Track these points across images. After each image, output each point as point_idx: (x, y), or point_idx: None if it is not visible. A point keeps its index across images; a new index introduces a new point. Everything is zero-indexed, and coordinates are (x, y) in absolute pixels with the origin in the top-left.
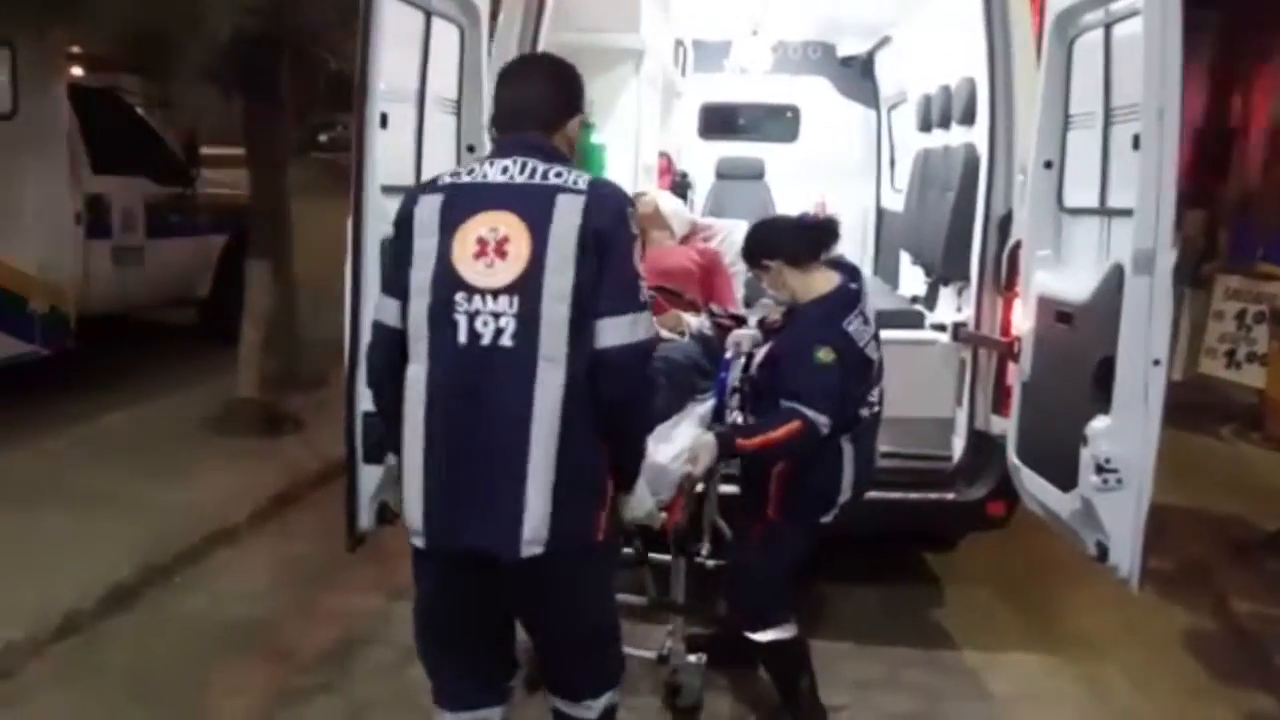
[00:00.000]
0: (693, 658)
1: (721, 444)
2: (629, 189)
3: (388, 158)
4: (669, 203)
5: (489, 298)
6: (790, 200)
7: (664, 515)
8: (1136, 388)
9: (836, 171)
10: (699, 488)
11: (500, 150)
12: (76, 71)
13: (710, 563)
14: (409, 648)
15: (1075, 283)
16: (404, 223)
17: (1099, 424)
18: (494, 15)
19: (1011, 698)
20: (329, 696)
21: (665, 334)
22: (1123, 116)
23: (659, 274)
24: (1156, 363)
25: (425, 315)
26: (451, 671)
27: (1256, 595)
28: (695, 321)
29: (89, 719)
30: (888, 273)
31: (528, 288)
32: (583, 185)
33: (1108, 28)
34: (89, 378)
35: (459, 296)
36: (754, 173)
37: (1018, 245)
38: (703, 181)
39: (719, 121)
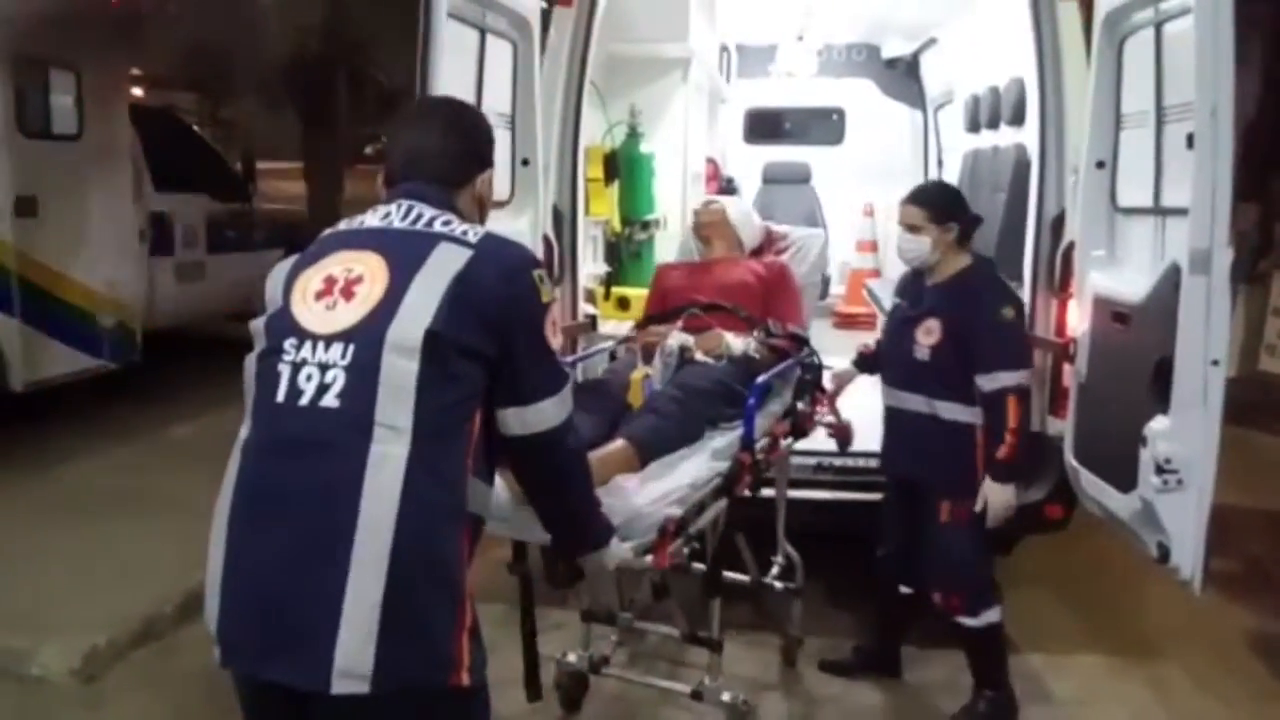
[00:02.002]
0: (727, 695)
1: (1005, 479)
2: (678, 197)
3: None
4: (738, 211)
5: (319, 345)
6: (838, 203)
7: (648, 559)
8: (1195, 388)
9: (883, 173)
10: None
11: (388, 199)
12: (135, 92)
13: (779, 585)
14: (492, 623)
15: (1131, 283)
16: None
17: (1158, 424)
18: (545, 30)
19: (1075, 700)
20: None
21: (700, 356)
22: (1176, 115)
23: (715, 289)
24: (1215, 363)
25: (254, 365)
26: None
27: None
28: (739, 343)
29: None
30: None
31: (366, 335)
32: (472, 238)
33: (1158, 26)
34: (155, 391)
35: (288, 343)
36: (800, 177)
37: (1071, 246)
38: (749, 186)
39: (764, 126)
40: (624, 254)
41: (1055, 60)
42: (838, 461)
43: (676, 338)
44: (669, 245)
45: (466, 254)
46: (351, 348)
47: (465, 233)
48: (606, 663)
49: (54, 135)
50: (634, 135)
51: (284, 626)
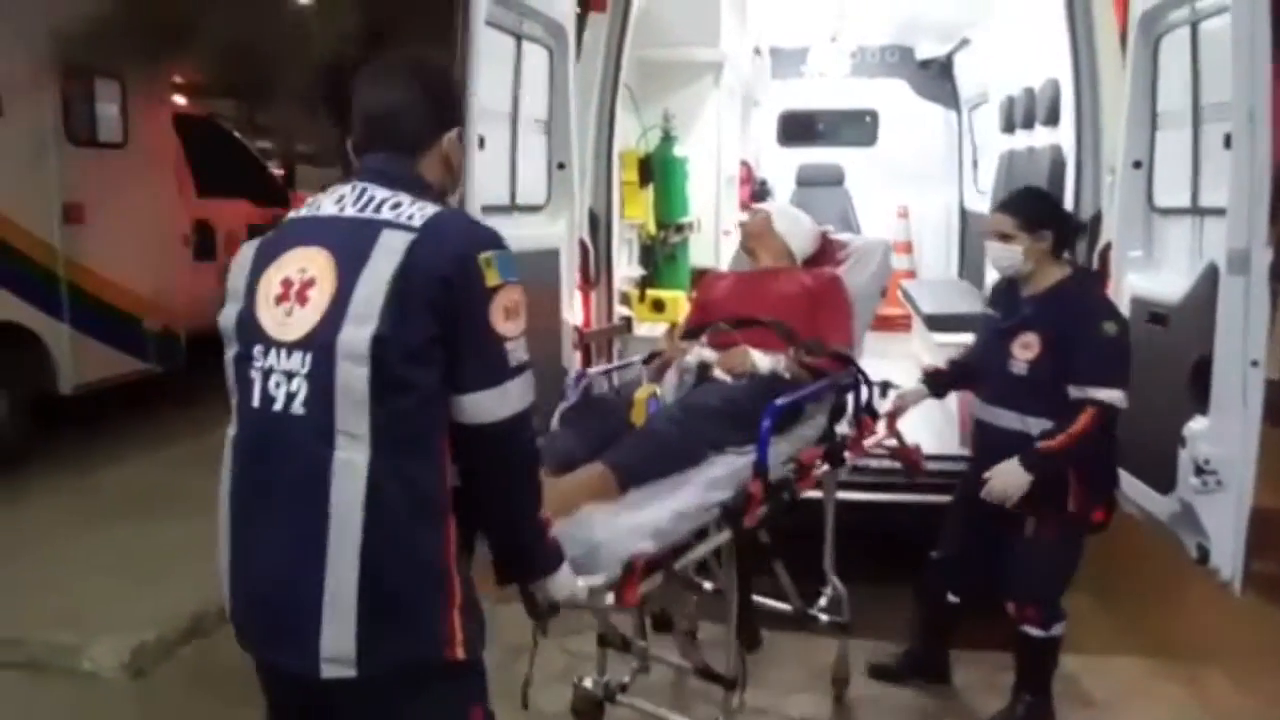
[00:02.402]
0: None
1: (1029, 466)
2: (711, 200)
3: (485, 178)
4: (786, 220)
5: (282, 353)
6: (871, 205)
7: (609, 598)
8: (1234, 389)
9: (917, 174)
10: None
11: (350, 176)
12: (177, 99)
13: (825, 618)
14: (517, 646)
15: (1168, 283)
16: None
17: (1197, 425)
18: (579, 35)
19: (1114, 701)
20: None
21: (719, 374)
22: (1213, 115)
23: (757, 303)
24: (1254, 363)
25: (231, 367)
26: None
27: None
28: (767, 361)
29: (218, 715)
30: (973, 274)
31: (321, 343)
32: (417, 221)
33: (1194, 25)
34: (199, 395)
35: (256, 350)
36: (834, 179)
37: (1108, 246)
38: (782, 189)
39: (797, 128)
40: (659, 257)
41: (1091, 60)
42: (874, 463)
43: (697, 353)
44: (703, 248)
45: (408, 239)
46: (309, 356)
47: (411, 216)
48: (624, 690)
49: (100, 143)
50: (668, 139)
51: (277, 618)
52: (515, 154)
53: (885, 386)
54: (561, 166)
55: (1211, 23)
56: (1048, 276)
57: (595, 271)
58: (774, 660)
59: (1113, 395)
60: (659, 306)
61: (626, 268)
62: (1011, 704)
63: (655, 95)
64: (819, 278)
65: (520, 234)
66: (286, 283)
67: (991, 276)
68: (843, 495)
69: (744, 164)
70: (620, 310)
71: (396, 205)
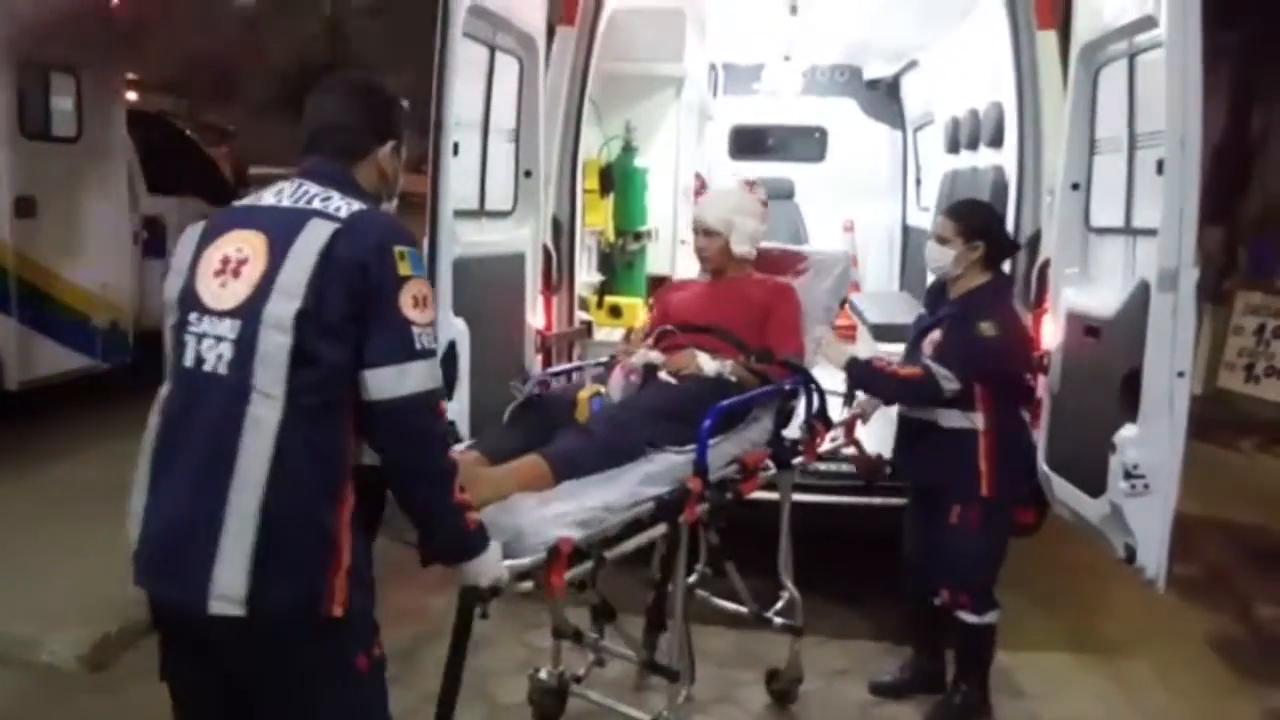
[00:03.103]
0: None
1: (849, 365)
2: (669, 209)
3: (457, 183)
4: (741, 242)
5: (216, 320)
6: (820, 219)
7: (527, 584)
8: (1162, 398)
9: (863, 190)
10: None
11: (291, 175)
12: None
13: (779, 621)
14: (475, 641)
15: (1102, 299)
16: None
17: (1127, 432)
18: (548, 48)
19: (1045, 695)
20: (400, 689)
21: (664, 376)
22: (1146, 142)
23: (712, 311)
24: (1180, 375)
25: (170, 333)
26: None
27: (1279, 601)
28: (713, 365)
29: None
30: (914, 287)
31: (249, 313)
32: (344, 214)
33: (1131, 58)
34: (147, 392)
35: (192, 316)
36: (784, 192)
37: (1046, 263)
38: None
39: (749, 142)
40: (617, 264)
41: (1034, 87)
42: (823, 466)
43: (642, 355)
44: (660, 256)
45: (333, 228)
46: (239, 323)
47: (339, 209)
48: (578, 681)
49: (53, 137)
50: (629, 150)
51: (175, 553)
52: (486, 161)
53: (848, 397)
54: (528, 174)
55: (1148, 56)
56: (970, 282)
57: (557, 276)
58: (727, 657)
59: (949, 379)
60: (616, 312)
61: (586, 274)
62: (949, 695)
63: (618, 107)
64: (773, 288)
65: (488, 238)
66: (224, 259)
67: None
68: (805, 498)
69: (698, 176)
70: (580, 315)
71: (327, 199)
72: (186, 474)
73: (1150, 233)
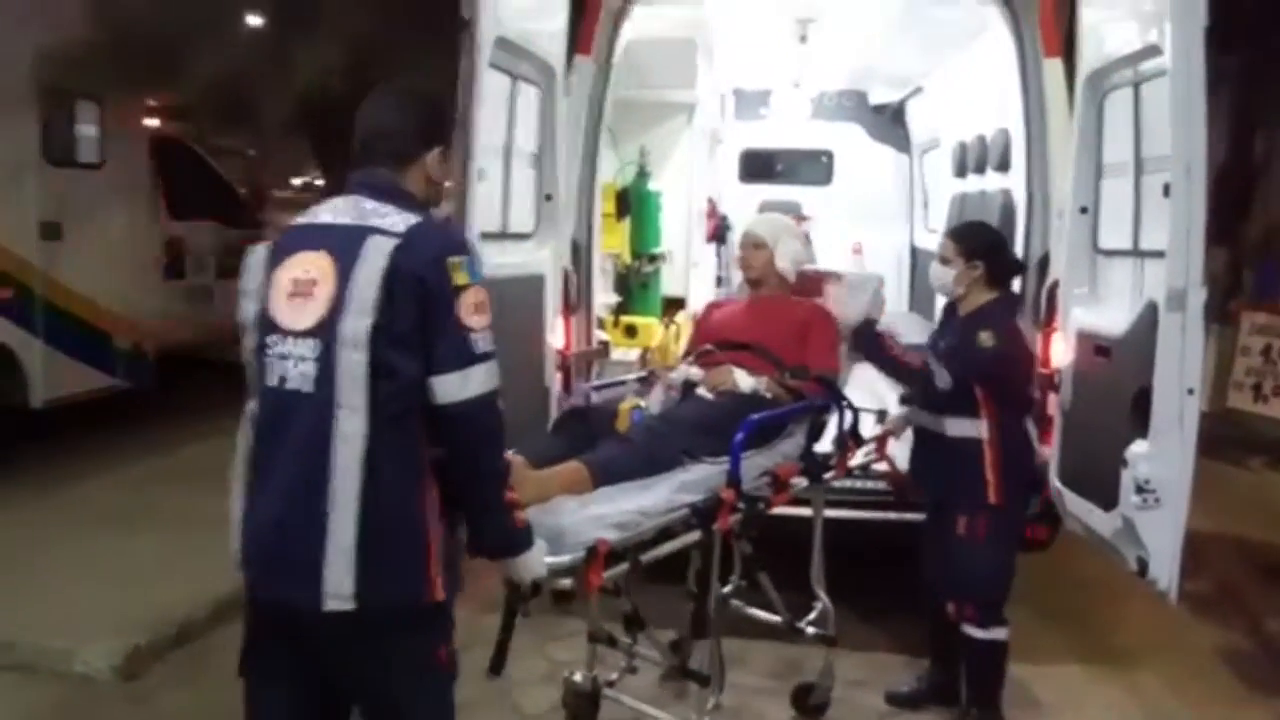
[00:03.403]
0: None
1: (858, 331)
2: (682, 232)
3: (483, 206)
4: (784, 259)
5: (295, 340)
6: (828, 241)
7: (567, 582)
8: (1172, 414)
9: (870, 213)
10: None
11: (344, 188)
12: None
13: (811, 630)
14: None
15: (1111, 319)
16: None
17: (1138, 448)
18: (567, 75)
19: (1059, 705)
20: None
21: (702, 391)
22: (1153, 167)
23: (750, 330)
24: (1190, 392)
25: (252, 354)
26: None
27: None
28: (749, 381)
29: (208, 716)
30: (923, 308)
31: (327, 332)
32: (400, 228)
33: (1136, 86)
34: (167, 412)
35: (272, 338)
36: (792, 215)
37: (1056, 284)
38: (742, 223)
39: (758, 166)
40: (633, 285)
41: (1041, 113)
42: (854, 483)
43: (682, 372)
44: (674, 277)
45: (393, 244)
46: (318, 343)
47: (395, 224)
48: (610, 686)
49: (78, 164)
50: (643, 174)
51: (285, 559)
52: (508, 185)
53: (882, 414)
54: (549, 198)
55: (1152, 85)
56: (975, 301)
57: (576, 297)
58: (756, 666)
59: (941, 374)
60: (631, 332)
61: (603, 295)
62: (960, 716)
63: (632, 133)
64: (810, 308)
65: (510, 260)
66: (295, 281)
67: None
68: (835, 514)
69: (709, 199)
70: (598, 335)
71: (383, 215)
72: (284, 485)
73: (1158, 254)
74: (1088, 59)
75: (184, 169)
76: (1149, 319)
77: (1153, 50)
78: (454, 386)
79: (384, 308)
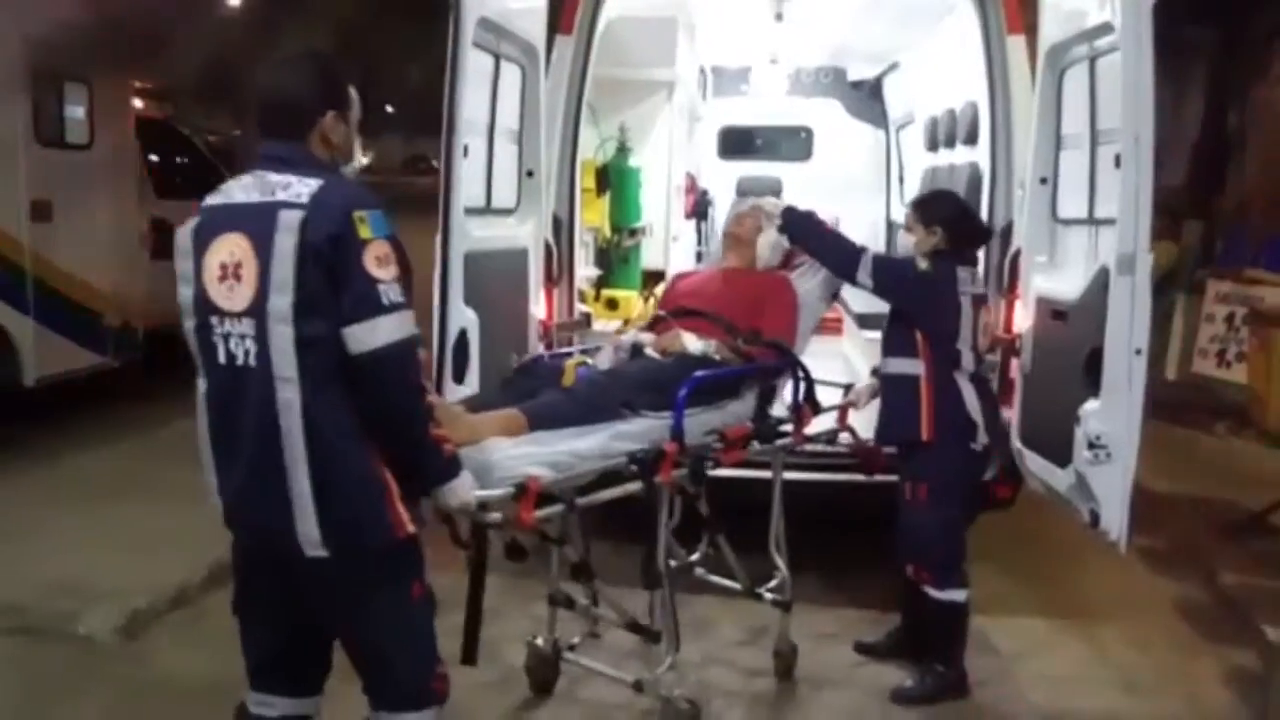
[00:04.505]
0: (667, 690)
1: (789, 209)
2: (662, 207)
3: (467, 183)
4: (768, 241)
5: (235, 320)
6: None
7: (496, 515)
8: (1121, 373)
9: (848, 187)
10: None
11: (252, 164)
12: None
13: (769, 597)
14: (487, 610)
15: (1068, 284)
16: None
17: (1089, 406)
18: (548, 55)
19: (1017, 653)
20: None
21: (649, 352)
22: (1106, 139)
23: (710, 298)
24: (1138, 352)
25: (194, 335)
26: (255, 652)
27: (1242, 568)
28: (698, 344)
29: (205, 675)
30: None
31: (258, 311)
32: (304, 197)
33: (1092, 60)
34: (155, 388)
35: (214, 319)
36: (771, 190)
37: (1018, 253)
38: (723, 199)
39: (737, 142)
40: (613, 259)
41: (1004, 88)
42: (823, 446)
43: (632, 335)
44: (654, 251)
45: (299, 215)
46: (252, 321)
47: (300, 194)
48: (572, 649)
49: (67, 145)
50: (623, 150)
51: (260, 520)
52: (491, 162)
53: (848, 388)
54: (530, 174)
55: (1107, 59)
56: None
57: (558, 271)
58: (719, 622)
59: (865, 270)
60: (612, 305)
61: (584, 268)
62: (921, 674)
63: (613, 110)
64: (769, 278)
65: (494, 234)
66: (222, 265)
67: None
68: (806, 476)
69: (688, 175)
70: (579, 307)
71: (287, 186)
72: (246, 455)
73: (1110, 222)
74: (1047, 35)
75: (170, 149)
76: (1101, 283)
77: (1106, 27)
78: (363, 336)
79: (300, 280)
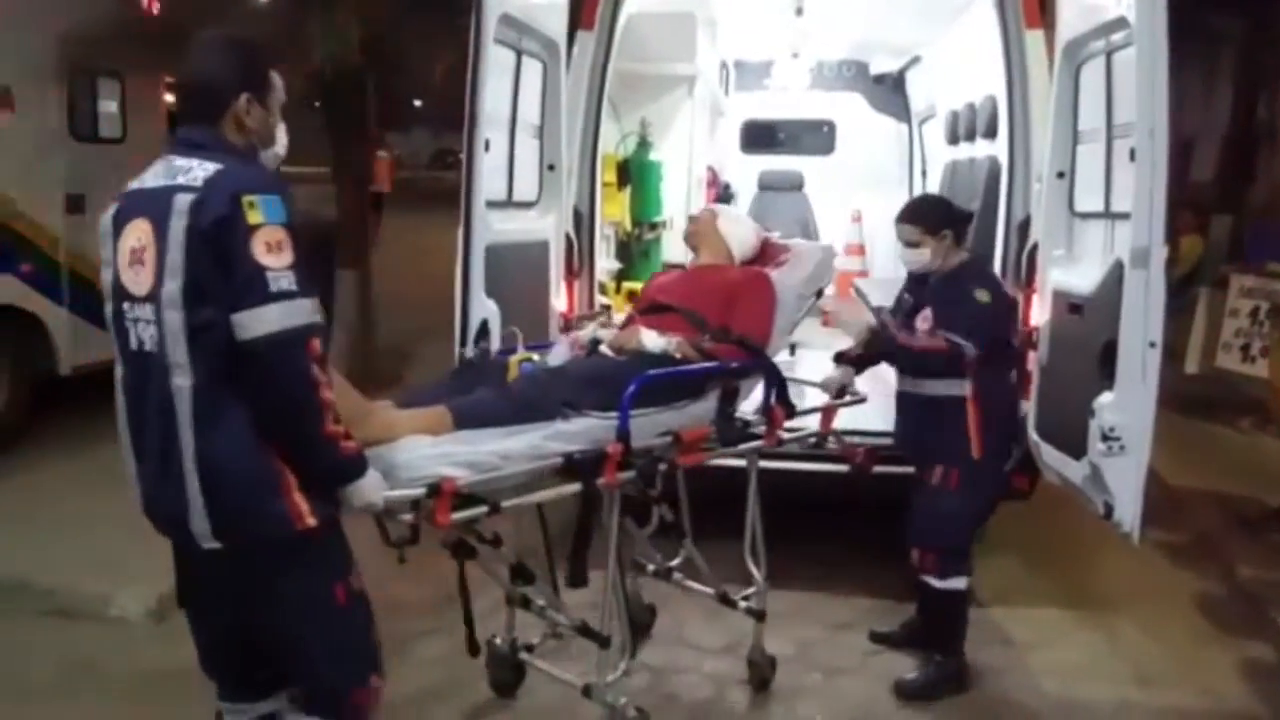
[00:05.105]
0: (613, 696)
1: (872, 331)
2: (683, 201)
3: (489, 176)
4: (730, 222)
5: (140, 305)
6: (828, 209)
7: (406, 516)
8: (1136, 366)
9: (871, 181)
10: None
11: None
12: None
13: (743, 604)
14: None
15: (1084, 277)
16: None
17: (1104, 398)
18: (569, 50)
19: (1032, 643)
20: (437, 638)
21: (604, 349)
22: (1122, 133)
23: (683, 295)
24: (1153, 344)
25: (110, 321)
26: (202, 644)
27: (1260, 563)
28: (658, 341)
29: None
30: None
31: (154, 295)
32: (199, 181)
33: (1108, 55)
34: None
35: (125, 304)
36: (793, 184)
37: (1035, 246)
38: (745, 193)
39: (760, 136)
40: (634, 252)
41: (1023, 82)
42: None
43: (590, 330)
44: (675, 245)
45: (191, 198)
46: (152, 306)
47: (196, 177)
48: (530, 649)
49: (101, 139)
50: (644, 145)
51: (164, 510)
52: (513, 156)
53: (842, 390)
54: (551, 168)
55: (1123, 53)
56: (949, 263)
57: (579, 263)
58: (694, 621)
59: (965, 345)
60: (633, 298)
61: (605, 261)
62: (922, 665)
63: (634, 104)
64: (746, 274)
65: (515, 227)
66: (132, 250)
67: None
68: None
69: (710, 169)
70: (600, 299)
71: (188, 170)
72: (152, 442)
73: (1126, 216)
74: (1065, 29)
75: None
76: (1116, 276)
77: (1121, 22)
78: (249, 323)
79: (190, 265)
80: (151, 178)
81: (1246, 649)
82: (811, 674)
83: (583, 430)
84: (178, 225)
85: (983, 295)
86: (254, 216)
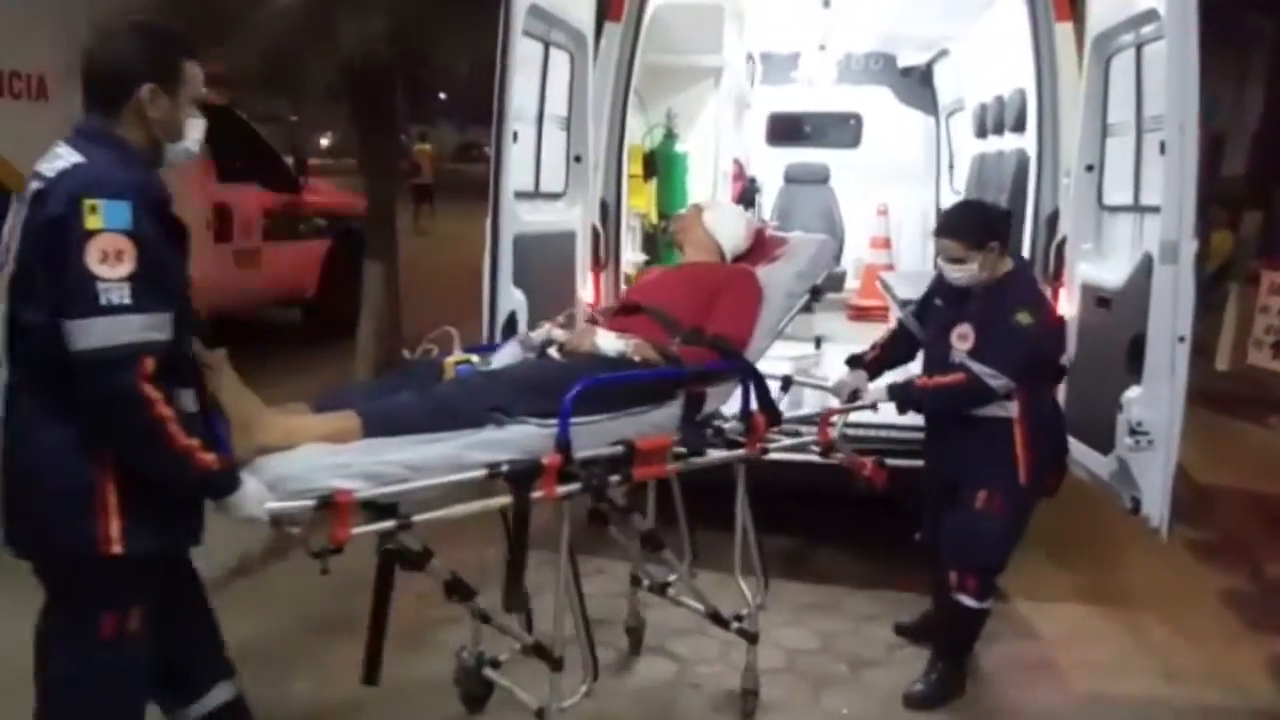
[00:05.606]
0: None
1: (891, 389)
2: (709, 193)
3: (516, 167)
4: (717, 217)
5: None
6: (854, 203)
7: (295, 529)
8: (1164, 360)
9: (898, 175)
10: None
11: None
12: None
13: (734, 625)
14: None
15: (1113, 271)
16: None
17: (1132, 393)
18: (596, 42)
19: (1058, 638)
20: (457, 627)
21: (552, 353)
22: (1152, 126)
23: (659, 293)
24: (1181, 339)
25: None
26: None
27: None
28: (614, 344)
29: (262, 639)
30: None
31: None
32: (53, 172)
33: (1138, 48)
34: None
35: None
36: (819, 177)
37: (1064, 240)
38: (771, 186)
39: (786, 129)
40: (659, 244)
41: (1052, 74)
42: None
43: (544, 330)
44: None
45: (36, 188)
46: None
47: (54, 168)
48: (496, 665)
49: None
50: (670, 137)
51: None
52: (540, 147)
53: (787, 382)
54: (578, 159)
55: (1153, 46)
56: (995, 273)
57: (605, 254)
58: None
59: (996, 380)
60: None
61: (630, 253)
62: (926, 673)
63: (660, 96)
64: (730, 271)
65: (542, 218)
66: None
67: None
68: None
69: (736, 162)
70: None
71: (55, 159)
72: None
73: (1156, 210)
74: (1094, 21)
75: (230, 135)
76: (1145, 270)
77: (1152, 14)
78: (76, 335)
79: (21, 258)
80: (41, 161)
81: (1275, 646)
82: (838, 665)
83: (516, 439)
84: (21, 214)
85: (1024, 317)
86: (93, 221)
